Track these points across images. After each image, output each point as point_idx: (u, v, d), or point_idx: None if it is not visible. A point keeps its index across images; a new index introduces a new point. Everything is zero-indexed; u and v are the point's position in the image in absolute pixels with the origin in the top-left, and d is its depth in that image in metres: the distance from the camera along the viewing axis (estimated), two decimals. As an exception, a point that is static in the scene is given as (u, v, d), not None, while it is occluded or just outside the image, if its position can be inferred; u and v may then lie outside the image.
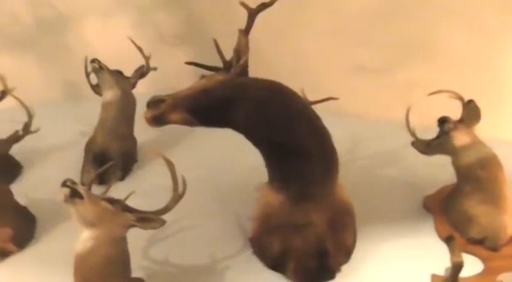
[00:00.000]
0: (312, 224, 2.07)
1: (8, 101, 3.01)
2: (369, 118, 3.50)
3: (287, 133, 1.94)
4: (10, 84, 2.92)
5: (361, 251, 2.28)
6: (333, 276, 2.14)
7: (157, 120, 1.98)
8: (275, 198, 2.12)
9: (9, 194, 2.56)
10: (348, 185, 2.27)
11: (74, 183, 1.81)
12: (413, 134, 2.48)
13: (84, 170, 2.98)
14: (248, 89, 1.95)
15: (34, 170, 3.24)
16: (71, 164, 3.16)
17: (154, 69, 3.15)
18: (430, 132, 2.50)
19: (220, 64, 2.03)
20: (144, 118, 2.00)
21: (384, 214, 2.57)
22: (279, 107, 1.93)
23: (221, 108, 1.93)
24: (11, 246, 2.47)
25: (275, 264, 2.18)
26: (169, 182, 1.90)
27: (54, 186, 2.97)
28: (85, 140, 3.18)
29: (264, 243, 2.21)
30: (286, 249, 2.12)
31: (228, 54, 2.02)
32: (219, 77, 1.98)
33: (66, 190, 1.78)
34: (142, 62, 3.13)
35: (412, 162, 2.94)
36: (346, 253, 2.22)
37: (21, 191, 2.77)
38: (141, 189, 2.08)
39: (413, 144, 2.49)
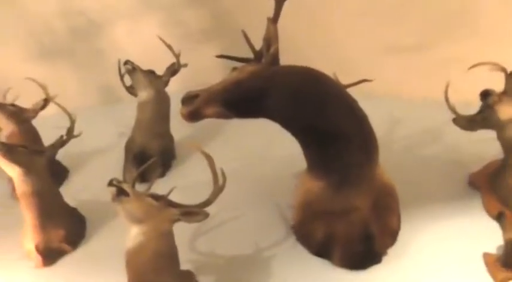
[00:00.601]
0: (355, 208, 2.05)
1: (49, 108, 3.15)
2: (406, 98, 3.41)
3: (324, 118, 1.92)
4: (50, 92, 3.06)
5: (407, 233, 2.24)
6: (379, 260, 2.12)
7: (193, 115, 2.01)
8: (315, 185, 2.11)
9: (60, 197, 2.68)
10: (389, 167, 2.23)
11: (119, 182, 1.87)
12: (454, 110, 2.39)
13: (125, 170, 3.07)
14: (281, 78, 1.95)
15: (79, 173, 3.37)
16: (112, 165, 3.27)
17: (185, 65, 3.19)
18: (471, 107, 2.41)
19: (250, 55, 2.04)
20: (180, 115, 2.04)
21: (428, 194, 2.51)
22: (314, 92, 1.91)
23: (255, 99, 1.94)
24: (65, 246, 2.60)
25: (320, 250, 2.18)
26: (208, 176, 1.93)
27: (100, 187, 3.09)
28: (124, 141, 3.28)
29: (307, 230, 2.21)
30: (331, 235, 2.12)
31: (258, 45, 2.02)
32: (251, 67, 1.99)
33: (113, 189, 1.85)
34: (172, 60, 3.18)
35: (455, 140, 2.85)
36: (391, 236, 2.19)
37: (70, 193, 2.89)
38: (182, 184, 2.12)
39: (454, 121, 2.40)
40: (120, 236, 2.62)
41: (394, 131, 3.11)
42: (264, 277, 2.17)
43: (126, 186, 1.86)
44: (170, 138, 3.24)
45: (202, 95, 1.98)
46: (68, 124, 3.05)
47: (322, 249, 2.16)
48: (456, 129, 2.44)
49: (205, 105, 1.98)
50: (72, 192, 2.94)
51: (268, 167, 3.02)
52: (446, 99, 2.37)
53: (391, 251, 2.17)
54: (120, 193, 1.85)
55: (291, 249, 2.30)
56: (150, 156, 2.90)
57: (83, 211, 2.85)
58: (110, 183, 1.86)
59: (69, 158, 3.36)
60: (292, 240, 2.34)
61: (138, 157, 3.01)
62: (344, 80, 2.43)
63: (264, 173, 2.97)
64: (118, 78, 3.21)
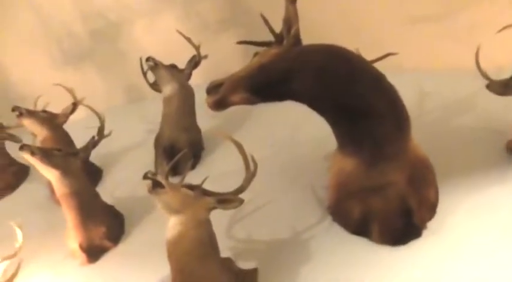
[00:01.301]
0: (391, 183, 2.02)
1: (77, 112, 3.24)
2: (435, 69, 3.30)
3: (352, 95, 1.89)
4: (77, 95, 3.13)
5: (446, 205, 2.19)
6: (419, 234, 2.08)
7: (219, 104, 2.01)
8: (348, 164, 2.08)
9: (97, 196, 2.75)
10: (423, 140, 2.18)
11: (154, 174, 1.90)
12: (486, 76, 2.29)
13: (157, 165, 3.13)
14: (305, 57, 1.92)
15: (113, 171, 3.46)
16: (144, 161, 3.33)
17: (206, 57, 3.20)
18: (504, 72, 2.32)
19: (271, 38, 2.02)
20: (205, 106, 2.05)
21: (465, 164, 2.44)
22: (340, 69, 1.88)
23: (280, 81, 1.92)
24: (107, 243, 2.68)
25: (358, 228, 2.16)
26: (238, 164, 1.94)
27: (133, 183, 3.19)
28: (152, 137, 3.33)
29: (344, 210, 2.19)
30: (368, 213, 2.09)
31: (277, 28, 2.00)
32: (273, 50, 1.97)
33: (148, 182, 1.88)
34: (192, 52, 3.19)
35: (489, 107, 2.75)
36: (430, 209, 2.15)
37: (105, 192, 2.95)
38: (212, 174, 2.13)
39: (488, 87, 2.31)
40: (158, 229, 2.67)
41: (425, 104, 3.03)
42: (303, 259, 2.18)
43: (160, 178, 1.89)
44: (197, 130, 3.28)
45: (227, 83, 1.97)
46: (96, 125, 3.12)
47: (360, 228, 2.15)
48: (490, 96, 2.35)
49: (230, 92, 1.97)
50: (107, 191, 3.02)
51: (297, 151, 3.01)
52: (478, 66, 2.28)
53: (431, 224, 2.13)
54: (156, 185, 1.88)
55: (328, 230, 2.29)
56: (179, 149, 2.95)
57: (119, 208, 2.92)
58: (145, 177, 1.89)
59: (101, 158, 3.45)
60: (328, 221, 2.33)
61: (168, 151, 3.05)
62: (369, 56, 2.37)
63: (294, 156, 2.96)
64: (141, 76, 3.25)
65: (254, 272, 2.17)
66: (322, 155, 2.68)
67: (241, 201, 1.95)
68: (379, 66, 2.15)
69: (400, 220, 2.05)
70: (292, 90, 1.92)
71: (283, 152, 3.03)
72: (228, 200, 1.94)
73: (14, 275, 2.04)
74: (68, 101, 3.25)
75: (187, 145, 3.02)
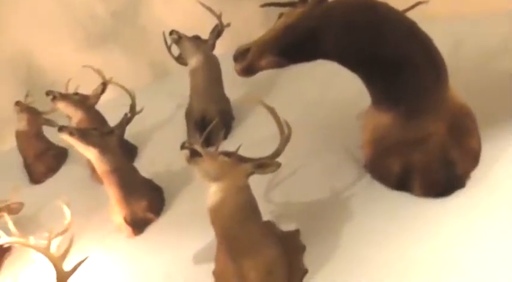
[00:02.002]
0: (431, 135, 1.96)
1: (106, 92, 3.29)
2: (467, 14, 3.13)
3: (385, 46, 1.82)
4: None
5: (489, 154, 2.11)
6: (463, 184, 2.03)
7: (247, 70, 1.98)
8: (384, 119, 2.03)
9: (136, 171, 2.82)
10: (461, 88, 2.09)
11: (191, 144, 1.93)
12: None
13: (189, 138, 3.16)
14: (332, 13, 1.85)
15: (147, 148, 3.53)
16: (176, 135, 3.38)
17: (228, 25, 3.15)
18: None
19: (294, -1, 1.96)
20: (231, 76, 2.02)
21: (506, 111, 2.32)
22: (370, 20, 1.81)
23: (308, 40, 1.87)
24: (149, 215, 2.77)
25: (398, 183, 2.13)
26: (269, 130, 1.94)
27: (168, 157, 3.25)
28: (182, 111, 3.37)
29: (383, 166, 2.16)
30: (408, 166, 2.05)
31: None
32: (298, 10, 1.91)
33: (186, 151, 1.91)
34: (214, 22, 3.15)
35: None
36: (473, 158, 2.08)
37: (142, 168, 3.01)
38: (244, 143, 2.13)
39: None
40: (196, 200, 2.75)
41: (461, 51, 2.89)
42: (345, 218, 2.18)
43: (198, 147, 1.92)
44: (226, 99, 3.28)
45: (253, 48, 1.93)
46: (126, 103, 3.16)
47: (401, 182, 2.11)
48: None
49: (258, 57, 1.93)
50: (144, 167, 3.08)
51: (329, 111, 2.96)
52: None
53: (474, 174, 2.07)
54: (193, 155, 1.91)
55: (368, 187, 2.27)
56: (210, 120, 2.96)
57: (157, 182, 2.99)
58: (183, 147, 1.92)
59: (134, 136, 3.52)
60: (367, 178, 2.31)
61: (199, 123, 3.08)
62: (398, 6, 2.28)
63: (326, 117, 2.92)
64: (164, 52, 3.24)
65: (296, 233, 2.20)
66: (354, 114, 2.63)
67: (278, 165, 1.96)
68: (410, 15, 2.06)
69: (442, 171, 2.00)
70: (322, 48, 1.87)
71: (315, 114, 3.00)
72: (265, 165, 1.96)
73: (67, 250, 2.13)
74: (96, 82, 3.32)
75: (217, 115, 3.04)
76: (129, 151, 3.37)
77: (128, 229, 2.73)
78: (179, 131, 3.36)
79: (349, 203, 2.24)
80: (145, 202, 2.75)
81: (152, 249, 2.63)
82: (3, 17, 3.90)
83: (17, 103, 3.52)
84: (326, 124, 2.86)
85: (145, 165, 3.18)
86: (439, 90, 1.94)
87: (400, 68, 1.85)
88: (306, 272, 2.03)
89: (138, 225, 2.74)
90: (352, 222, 2.16)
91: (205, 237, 2.41)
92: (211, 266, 2.23)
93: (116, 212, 2.73)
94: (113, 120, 3.20)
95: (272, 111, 1.98)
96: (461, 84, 2.09)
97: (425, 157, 1.99)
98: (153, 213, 2.78)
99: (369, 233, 2.06)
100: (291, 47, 1.90)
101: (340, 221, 2.17)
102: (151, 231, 2.75)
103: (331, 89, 3.11)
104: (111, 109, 3.39)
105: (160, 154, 3.35)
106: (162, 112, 3.80)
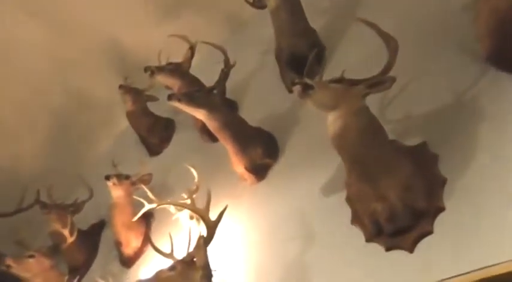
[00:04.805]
0: None
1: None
2: None
3: None
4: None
5: None
6: None
7: None
8: (503, 2, 1.80)
9: (245, 122, 2.89)
10: None
11: (300, 78, 1.91)
12: None
13: (284, 78, 3.15)
14: None
15: (245, 100, 3.58)
16: (270, 81, 3.38)
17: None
18: None
19: None
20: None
21: None
22: None
23: None
24: (268, 160, 2.87)
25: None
26: (366, 51, 1.82)
27: (268, 103, 3.28)
28: (269, 57, 3.33)
29: (510, 53, 1.94)
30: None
31: None
32: None
33: (298, 87, 1.90)
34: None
35: None
36: None
37: (247, 119, 3.06)
38: (346, 68, 2.05)
39: None
40: (308, 136, 2.80)
41: None
42: (475, 120, 2.03)
43: (307, 80, 1.90)
44: (313, 31, 3.15)
45: None
46: (213, 64, 3.17)
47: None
48: None
49: None
50: (247, 118, 3.14)
51: (434, 7, 2.67)
52: None
53: None
54: (306, 88, 1.89)
55: (494, 82, 2.07)
56: (301, 56, 2.91)
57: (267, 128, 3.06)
58: (293, 83, 1.91)
59: (230, 92, 3.57)
60: (492, 72, 2.09)
61: (292, 61, 3.04)
62: None
63: (431, 14, 2.63)
64: (237, 2, 3.18)
65: (424, 145, 2.13)
66: (461, 5, 2.37)
67: (393, 79, 1.87)
68: None
69: None
70: None
71: (416, 15, 2.72)
72: (378, 82, 1.88)
73: (208, 202, 2.29)
74: (183, 48, 3.41)
75: (308, 49, 2.94)
76: (230, 107, 3.46)
77: (250, 177, 2.87)
78: (272, 75, 3.35)
79: (477, 103, 2.08)
80: (261, 149, 2.84)
81: (278, 190, 2.75)
82: (85, 12, 4.13)
83: (120, 86, 3.78)
84: (432, 22, 2.57)
85: (249, 117, 3.25)
86: None
87: None
88: (445, 180, 1.96)
89: (259, 172, 2.87)
90: (484, 123, 2.00)
91: (329, 168, 2.45)
92: (342, 195, 2.27)
93: (236, 163, 2.87)
94: (207, 81, 3.30)
95: (373, 26, 1.87)
96: None
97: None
98: (270, 158, 2.88)
99: (506, 133, 1.90)
100: None
101: (472, 124, 2.03)
102: (273, 175, 2.87)
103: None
104: (200, 73, 3.49)
105: (259, 102, 3.40)
106: (249, 62, 3.79)
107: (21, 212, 3.61)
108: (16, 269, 2.92)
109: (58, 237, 3.42)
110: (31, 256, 2.99)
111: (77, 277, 3.26)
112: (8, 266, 2.86)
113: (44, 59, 4.16)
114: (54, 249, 3.25)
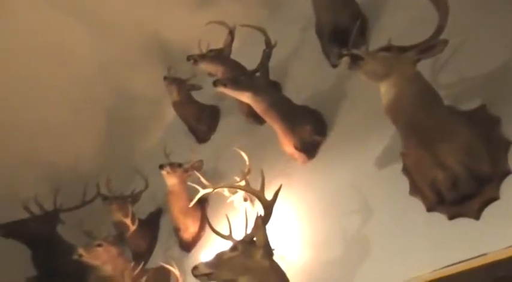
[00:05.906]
0: None
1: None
2: None
3: None
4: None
5: None
6: None
7: None
8: None
9: (290, 100, 2.87)
10: None
11: (347, 49, 1.87)
12: None
13: (327, 52, 3.10)
14: None
15: (288, 79, 3.55)
16: (312, 57, 3.33)
17: None
18: None
19: None
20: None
21: None
22: None
23: None
24: (317, 138, 2.85)
25: None
26: (408, 21, 1.72)
27: (313, 80, 3.24)
28: (309, 32, 3.28)
29: None
30: None
31: None
32: None
33: (346, 58, 1.86)
34: None
35: None
36: None
37: (292, 98, 3.05)
38: (391, 35, 1.97)
39: None
40: (355, 110, 2.75)
41: None
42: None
43: (356, 51, 1.86)
44: (353, 3, 3.06)
45: None
46: (252, 47, 3.15)
47: None
48: None
49: None
50: (292, 97, 3.10)
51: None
52: None
53: None
54: (355, 59, 1.85)
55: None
56: (344, 28, 2.84)
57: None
58: (340, 55, 1.88)
59: (272, 72, 3.53)
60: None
61: (333, 36, 2.98)
62: None
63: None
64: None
65: (482, 108, 2.03)
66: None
67: (446, 42, 1.79)
68: None
69: None
70: None
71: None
72: (430, 46, 1.81)
73: (263, 183, 2.31)
74: (223, 34, 3.43)
75: (350, 21, 2.86)
76: (274, 87, 3.45)
77: (301, 156, 2.87)
78: (313, 52, 3.30)
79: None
80: (309, 126, 2.82)
81: (330, 166, 2.72)
82: (124, 11, 4.24)
83: (165, 78, 3.87)
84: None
85: (294, 96, 3.22)
86: None
87: None
88: (509, 143, 1.87)
89: (309, 150, 2.85)
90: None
91: (381, 140, 2.40)
92: (397, 166, 2.23)
93: (286, 143, 2.87)
94: (248, 65, 3.30)
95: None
96: None
97: None
98: (319, 135, 2.85)
99: None
100: None
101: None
102: (323, 152, 2.84)
103: None
104: (242, 57, 3.49)
105: (303, 80, 3.37)
106: (290, 41, 3.73)
107: (86, 205, 3.87)
108: (87, 258, 3.11)
109: (121, 227, 3.60)
110: (99, 245, 3.17)
111: (142, 263, 3.41)
112: (80, 255, 3.05)
113: (92, 60, 4.32)
114: (120, 238, 3.42)
